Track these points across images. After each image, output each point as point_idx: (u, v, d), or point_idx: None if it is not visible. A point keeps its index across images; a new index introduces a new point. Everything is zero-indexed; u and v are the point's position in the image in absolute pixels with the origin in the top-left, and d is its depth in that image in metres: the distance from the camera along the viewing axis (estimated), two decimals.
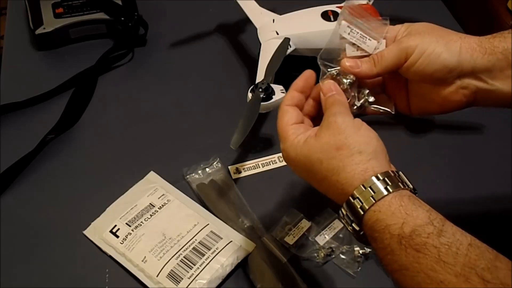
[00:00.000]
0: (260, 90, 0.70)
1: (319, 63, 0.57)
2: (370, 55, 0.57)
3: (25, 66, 0.89)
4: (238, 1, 0.84)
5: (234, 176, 0.74)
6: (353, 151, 0.49)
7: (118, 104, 0.83)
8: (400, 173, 0.50)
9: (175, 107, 0.83)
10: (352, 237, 0.59)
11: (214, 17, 0.96)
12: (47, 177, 0.73)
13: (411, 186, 0.50)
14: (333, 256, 0.66)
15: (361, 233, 0.49)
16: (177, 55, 0.91)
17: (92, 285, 0.63)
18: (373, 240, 0.48)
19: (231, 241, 0.65)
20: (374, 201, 0.47)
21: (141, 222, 0.67)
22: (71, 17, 0.89)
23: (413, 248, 0.44)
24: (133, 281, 0.63)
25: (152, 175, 0.73)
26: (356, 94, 0.57)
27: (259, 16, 0.82)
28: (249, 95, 0.71)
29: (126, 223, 0.67)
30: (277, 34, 0.77)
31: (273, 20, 0.80)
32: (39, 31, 0.87)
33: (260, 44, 0.79)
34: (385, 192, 0.47)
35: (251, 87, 0.72)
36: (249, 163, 0.76)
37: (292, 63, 0.76)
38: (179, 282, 0.61)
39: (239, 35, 0.94)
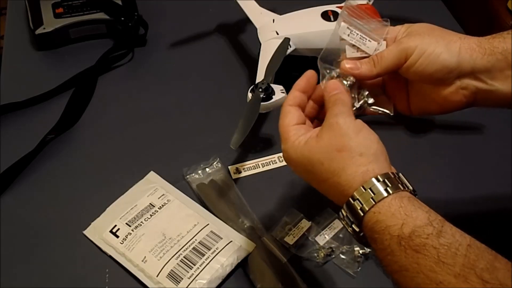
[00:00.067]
0: (260, 90, 0.70)
1: (319, 65, 0.57)
2: (370, 56, 0.57)
3: (25, 66, 0.89)
4: (238, 1, 0.84)
5: (234, 176, 0.74)
6: (354, 153, 0.49)
7: (118, 104, 0.83)
8: (400, 174, 0.50)
9: (175, 107, 0.83)
10: (352, 237, 0.59)
11: (214, 17, 0.96)
12: (47, 177, 0.73)
13: (411, 187, 0.50)
14: (333, 256, 0.66)
15: (361, 234, 0.49)
16: (177, 55, 0.91)
17: (92, 285, 0.63)
18: (373, 241, 0.48)
19: (231, 241, 0.65)
20: (374, 203, 0.47)
21: (141, 222, 0.67)
22: (71, 17, 0.89)
23: (412, 249, 0.44)
24: (133, 281, 0.63)
25: (152, 175, 0.73)
26: (355, 96, 0.57)
27: (259, 16, 0.82)
28: (249, 95, 0.71)
29: (126, 223, 0.67)
30: (277, 34, 0.77)
31: (273, 20, 0.80)
32: (39, 31, 0.87)
33: (260, 44, 0.79)
34: (385, 194, 0.47)
35: (251, 87, 0.72)
36: (249, 163, 0.76)
37: (292, 63, 0.76)
38: (179, 282, 0.61)
39: (239, 35, 0.94)
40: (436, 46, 0.54)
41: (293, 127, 0.54)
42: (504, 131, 0.79)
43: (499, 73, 0.54)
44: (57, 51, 0.90)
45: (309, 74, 0.57)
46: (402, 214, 0.46)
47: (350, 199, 0.49)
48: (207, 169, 0.74)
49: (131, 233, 0.66)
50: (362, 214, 0.48)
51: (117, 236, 0.66)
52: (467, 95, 0.56)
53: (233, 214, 0.69)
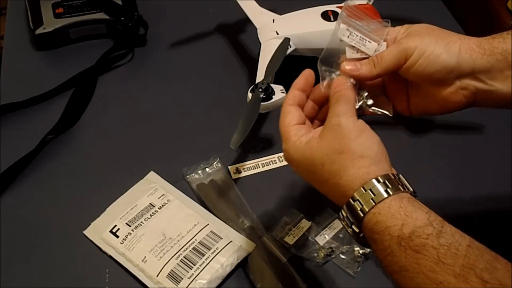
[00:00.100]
0: (260, 90, 0.70)
1: (318, 68, 0.57)
2: (370, 56, 0.57)
3: (25, 66, 0.89)
4: (238, 1, 0.84)
5: (234, 176, 0.74)
6: (355, 156, 0.49)
7: (118, 104, 0.83)
8: (401, 176, 0.50)
9: (175, 107, 0.83)
10: (352, 237, 0.59)
11: (214, 17, 0.96)
12: (47, 177, 0.73)
13: (411, 189, 0.50)
14: (333, 256, 0.66)
15: (361, 235, 0.50)
16: (177, 55, 0.91)
17: (92, 285, 0.63)
18: (373, 241, 0.48)
19: (231, 241, 0.65)
20: (374, 204, 0.47)
21: (141, 222, 0.67)
22: (71, 17, 0.89)
23: (412, 249, 0.44)
24: (133, 281, 0.63)
25: (152, 175, 0.73)
26: (355, 97, 0.57)
27: (259, 16, 0.82)
28: (249, 95, 0.72)
29: (126, 223, 0.67)
30: (277, 34, 0.77)
31: (273, 20, 0.80)
32: (39, 31, 0.87)
33: (260, 44, 0.79)
34: (385, 195, 0.47)
35: (251, 87, 0.72)
36: (249, 163, 0.76)
37: (292, 63, 0.76)
38: (179, 282, 0.61)
39: (239, 35, 0.94)
40: (435, 46, 0.54)
41: (293, 127, 0.54)
42: (504, 131, 0.79)
43: (498, 74, 0.54)
44: (57, 51, 0.90)
45: (307, 73, 0.57)
46: (402, 215, 0.46)
47: (350, 200, 0.49)
48: (207, 169, 0.74)
49: (131, 233, 0.66)
50: (362, 215, 0.48)
51: (117, 236, 0.66)
52: (467, 95, 0.56)
53: (233, 214, 0.69)
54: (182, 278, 0.62)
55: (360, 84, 0.57)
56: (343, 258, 0.65)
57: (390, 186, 0.48)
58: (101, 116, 0.81)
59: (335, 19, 0.77)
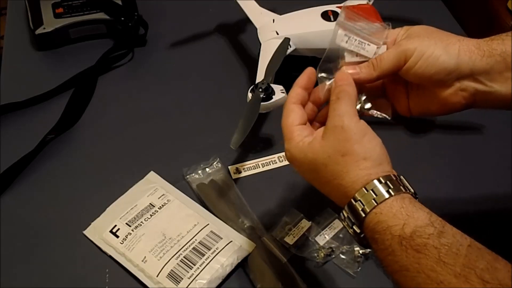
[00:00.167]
0: (260, 90, 0.70)
1: (317, 75, 0.57)
2: (369, 59, 0.57)
3: (25, 66, 0.89)
4: (238, 1, 0.84)
5: (234, 176, 0.74)
6: (358, 158, 0.50)
7: (118, 104, 0.83)
8: (402, 177, 0.50)
9: (175, 107, 0.83)
10: (352, 238, 0.59)
11: (214, 17, 0.96)
12: (47, 177, 0.73)
13: (412, 190, 0.50)
14: (333, 256, 0.66)
15: (362, 235, 0.50)
16: (177, 55, 0.91)
17: (92, 285, 0.63)
18: (373, 241, 0.48)
19: (231, 241, 0.65)
20: (375, 204, 0.48)
21: (141, 222, 0.67)
22: (71, 17, 0.89)
23: (413, 249, 0.44)
24: (133, 281, 0.63)
25: (152, 175, 0.73)
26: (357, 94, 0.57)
27: (259, 16, 0.82)
28: (249, 95, 0.71)
29: (126, 223, 0.67)
30: (277, 34, 0.77)
31: (273, 20, 0.80)
32: (39, 31, 0.87)
33: (260, 44, 0.79)
34: (387, 195, 0.48)
35: (251, 87, 0.72)
36: (249, 163, 0.76)
37: (292, 63, 0.76)
38: (179, 282, 0.61)
39: (239, 35, 0.94)
40: (435, 48, 0.54)
41: (297, 127, 0.54)
42: (504, 131, 0.79)
43: (498, 75, 0.54)
44: (57, 51, 0.90)
45: (309, 71, 0.57)
46: (404, 215, 0.46)
47: (352, 200, 0.49)
48: (207, 169, 0.74)
49: (131, 233, 0.66)
50: (363, 215, 0.48)
51: (117, 236, 0.66)
52: (467, 97, 0.56)
53: (233, 214, 0.69)
54: (182, 278, 0.62)
55: (360, 86, 0.57)
56: (343, 258, 0.66)
57: (391, 186, 0.48)
58: (101, 116, 0.81)
59: (335, 19, 0.77)
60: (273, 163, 0.76)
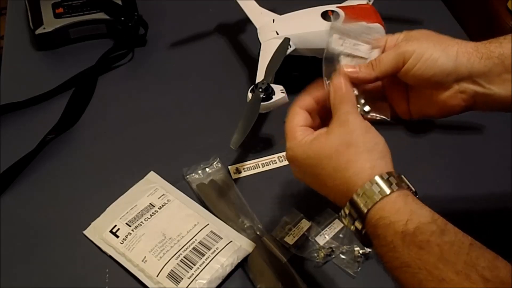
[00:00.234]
0: (260, 90, 0.70)
1: (323, 67, 0.57)
2: (366, 59, 0.57)
3: (25, 66, 0.89)
4: (238, 1, 0.84)
5: (234, 176, 0.74)
6: (363, 149, 0.50)
7: (118, 104, 0.83)
8: (403, 176, 0.51)
9: (175, 107, 0.83)
10: (352, 237, 0.59)
11: (214, 17, 0.96)
12: (47, 177, 0.73)
13: (413, 189, 0.50)
14: (333, 256, 0.66)
15: (363, 232, 0.50)
16: (177, 55, 0.91)
17: (92, 285, 0.63)
18: (375, 237, 0.48)
19: (231, 241, 0.65)
20: (378, 199, 0.48)
21: (141, 222, 0.67)
22: (71, 17, 0.89)
23: (416, 245, 0.44)
24: (133, 281, 0.63)
25: (152, 175, 0.73)
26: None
27: (259, 16, 0.82)
28: (249, 95, 0.72)
29: (126, 223, 0.67)
30: (277, 34, 0.77)
31: (273, 20, 0.80)
32: (39, 31, 0.87)
33: (260, 44, 0.79)
34: (390, 191, 0.48)
35: (251, 87, 0.72)
36: (249, 163, 0.76)
37: (292, 63, 0.76)
38: (179, 282, 0.61)
39: (239, 35, 0.94)
40: (433, 50, 0.55)
41: (300, 127, 0.55)
42: (504, 131, 0.79)
43: (496, 77, 0.55)
44: (57, 51, 0.90)
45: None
46: (408, 211, 0.47)
47: (354, 196, 0.49)
48: (207, 169, 0.74)
49: (131, 233, 0.66)
50: (365, 210, 0.48)
51: (117, 236, 0.66)
52: (466, 99, 0.56)
53: (233, 214, 0.69)
54: (182, 278, 0.62)
55: (361, 88, 0.57)
56: (343, 258, 0.65)
57: (394, 183, 0.48)
58: (101, 116, 0.81)
59: (335, 19, 0.77)
60: (273, 163, 0.76)
